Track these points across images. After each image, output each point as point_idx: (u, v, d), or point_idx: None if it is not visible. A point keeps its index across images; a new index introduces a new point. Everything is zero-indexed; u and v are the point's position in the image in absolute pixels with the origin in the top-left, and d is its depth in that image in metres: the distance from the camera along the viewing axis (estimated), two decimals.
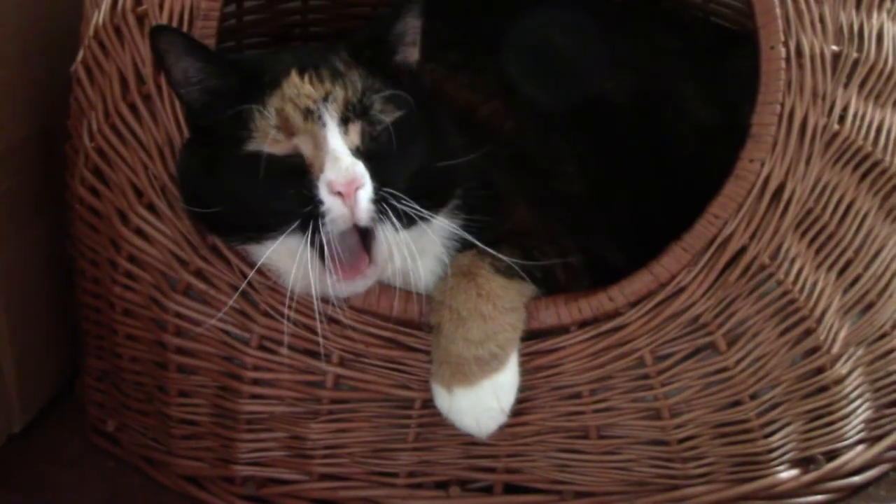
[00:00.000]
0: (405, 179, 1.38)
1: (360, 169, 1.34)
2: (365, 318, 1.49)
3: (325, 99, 1.35)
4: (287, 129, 1.35)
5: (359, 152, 1.36)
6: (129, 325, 1.62)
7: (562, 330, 1.50)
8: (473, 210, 1.47)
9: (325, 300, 1.47)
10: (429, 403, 1.50)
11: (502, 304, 1.46)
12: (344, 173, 1.33)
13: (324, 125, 1.35)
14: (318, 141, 1.35)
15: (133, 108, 1.54)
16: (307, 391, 1.54)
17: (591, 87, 1.77)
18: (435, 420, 1.51)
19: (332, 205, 1.34)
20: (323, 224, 1.34)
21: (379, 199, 1.35)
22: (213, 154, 1.40)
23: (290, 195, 1.35)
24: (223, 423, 1.59)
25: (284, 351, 1.51)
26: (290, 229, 1.35)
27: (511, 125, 1.68)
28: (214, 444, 1.60)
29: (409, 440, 1.55)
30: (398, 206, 1.36)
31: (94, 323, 1.70)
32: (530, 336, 1.49)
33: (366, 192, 1.34)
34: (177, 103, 1.50)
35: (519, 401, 1.49)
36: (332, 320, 1.50)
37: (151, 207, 1.54)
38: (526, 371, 1.49)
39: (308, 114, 1.35)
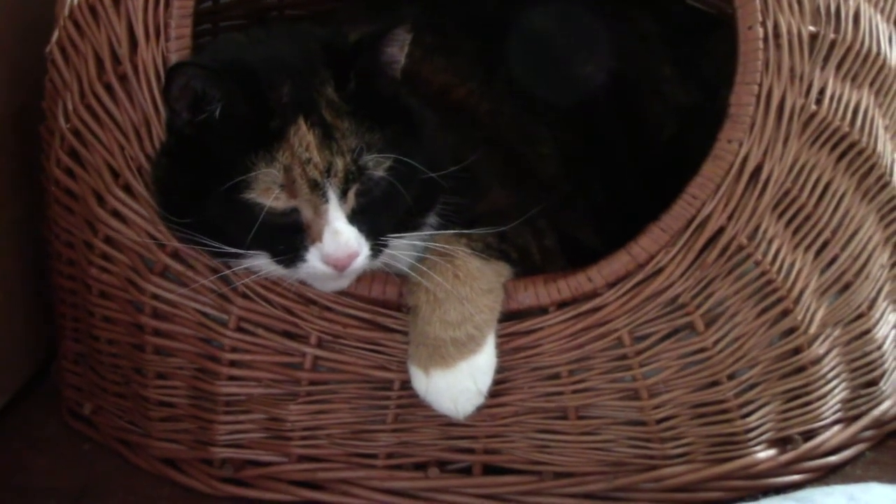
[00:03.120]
0: (397, 217, 1.41)
1: (357, 242, 1.36)
2: (343, 299, 1.49)
3: (328, 171, 1.35)
4: (291, 191, 1.35)
5: (354, 213, 1.37)
6: (106, 308, 1.61)
7: (540, 311, 1.50)
8: (449, 193, 1.47)
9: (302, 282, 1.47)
10: (407, 385, 1.50)
11: (479, 285, 1.46)
12: (343, 248, 1.35)
13: (326, 200, 1.35)
14: (319, 211, 1.35)
15: (109, 88, 1.53)
16: (285, 373, 1.54)
17: (569, 69, 1.77)
18: (413, 401, 1.51)
19: (318, 267, 1.36)
20: (301, 268, 1.37)
21: (373, 252, 1.38)
22: (200, 182, 1.38)
23: (277, 241, 1.37)
24: (201, 406, 1.58)
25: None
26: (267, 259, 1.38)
27: (486, 107, 1.68)
28: (192, 427, 1.60)
29: (388, 421, 1.55)
30: (389, 243, 1.40)
31: (70, 305, 1.69)
32: (509, 317, 1.49)
33: (361, 259, 1.37)
34: (154, 84, 1.49)
35: (498, 382, 1.49)
36: (310, 301, 1.50)
37: (128, 189, 1.53)
38: (505, 352, 1.49)
39: (314, 186, 1.35)
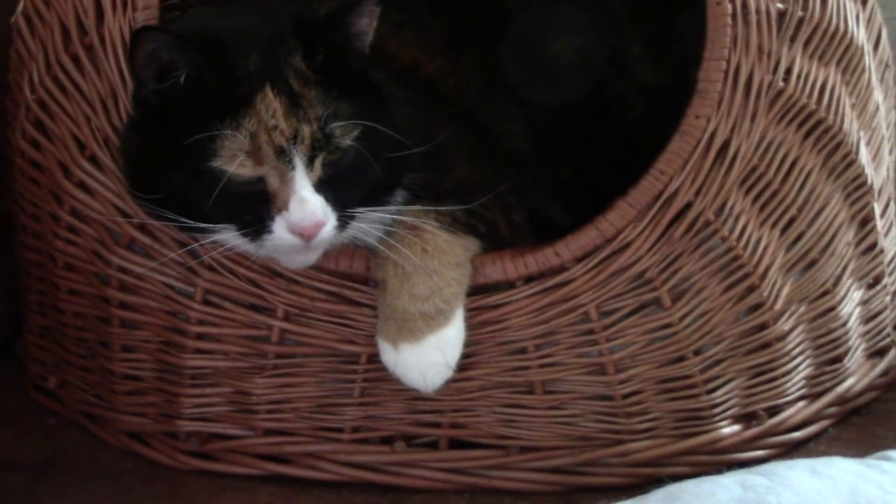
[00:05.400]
0: (364, 190, 1.40)
1: (323, 211, 1.35)
2: (310, 272, 1.49)
3: (295, 138, 1.34)
4: (257, 158, 1.34)
5: (321, 183, 1.36)
6: (72, 280, 1.60)
7: (508, 285, 1.50)
8: (417, 167, 1.47)
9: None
10: (374, 358, 1.50)
11: (447, 259, 1.46)
12: (310, 216, 1.34)
13: (293, 168, 1.34)
14: (286, 179, 1.35)
15: (76, 59, 1.52)
16: (252, 346, 1.53)
17: (539, 47, 1.77)
18: (380, 375, 1.51)
19: (285, 237, 1.35)
20: (268, 240, 1.36)
21: (340, 223, 1.37)
22: (166, 151, 1.37)
23: (244, 212, 1.36)
24: (167, 379, 1.58)
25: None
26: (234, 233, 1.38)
27: (454, 83, 1.68)
28: (158, 400, 1.59)
29: (355, 395, 1.55)
30: (356, 216, 1.39)
31: (36, 279, 1.68)
32: (476, 291, 1.49)
33: (328, 229, 1.36)
34: (121, 55, 1.48)
35: (464, 356, 1.49)
36: (277, 274, 1.50)
37: (94, 160, 1.52)
38: (471, 326, 1.49)
39: (280, 152, 1.34)
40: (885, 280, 1.71)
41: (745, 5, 1.47)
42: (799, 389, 1.64)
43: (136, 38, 1.35)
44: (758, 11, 1.48)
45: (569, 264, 1.50)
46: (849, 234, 1.63)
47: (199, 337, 1.54)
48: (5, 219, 1.74)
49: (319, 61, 1.38)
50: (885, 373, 1.74)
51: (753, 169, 1.51)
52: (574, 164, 1.73)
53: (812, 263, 1.59)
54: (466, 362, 1.51)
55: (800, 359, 1.62)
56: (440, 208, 1.47)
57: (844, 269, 1.63)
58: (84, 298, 1.60)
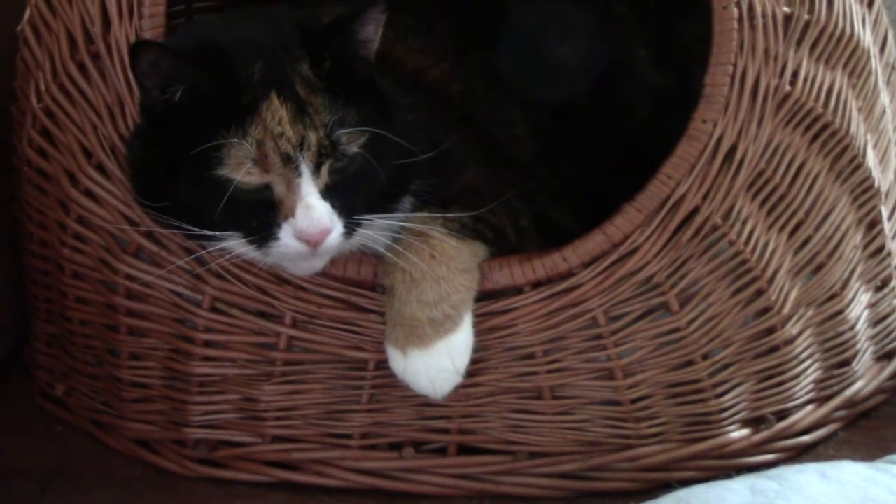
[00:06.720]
0: (371, 197, 1.40)
1: (330, 218, 1.35)
2: (317, 279, 1.49)
3: (301, 145, 1.34)
4: (263, 165, 1.34)
5: (327, 190, 1.36)
6: (79, 288, 1.60)
7: (515, 290, 1.50)
8: (424, 173, 1.47)
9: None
10: (382, 365, 1.50)
11: (455, 265, 1.46)
12: (316, 223, 1.34)
13: (299, 175, 1.34)
14: (292, 186, 1.35)
15: (82, 67, 1.52)
16: (260, 353, 1.53)
17: (544, 50, 1.77)
18: (388, 381, 1.51)
19: (291, 244, 1.35)
20: (274, 247, 1.36)
21: (347, 230, 1.37)
22: (173, 160, 1.37)
23: (250, 219, 1.36)
24: (175, 386, 1.58)
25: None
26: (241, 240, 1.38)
27: (460, 88, 1.68)
28: (166, 407, 1.59)
29: (363, 402, 1.54)
30: (363, 223, 1.39)
31: (43, 286, 1.68)
32: (484, 297, 1.49)
33: (334, 236, 1.36)
34: (127, 63, 1.48)
35: (473, 362, 1.49)
36: (285, 281, 1.49)
37: (101, 168, 1.52)
38: (480, 332, 1.49)
39: (287, 160, 1.34)
40: (893, 283, 1.71)
41: (751, 9, 1.47)
42: (807, 393, 1.64)
43: (134, 51, 1.36)
44: (764, 15, 1.48)
45: (576, 269, 1.49)
46: (856, 238, 1.63)
47: (207, 344, 1.54)
48: (12, 227, 1.73)
49: (326, 68, 1.38)
50: (893, 376, 1.74)
51: (760, 173, 1.50)
52: (579, 167, 1.73)
53: (820, 267, 1.59)
54: (475, 368, 1.51)
55: (808, 362, 1.62)
56: (447, 214, 1.47)
57: (852, 272, 1.63)
58: (91, 306, 1.60)
